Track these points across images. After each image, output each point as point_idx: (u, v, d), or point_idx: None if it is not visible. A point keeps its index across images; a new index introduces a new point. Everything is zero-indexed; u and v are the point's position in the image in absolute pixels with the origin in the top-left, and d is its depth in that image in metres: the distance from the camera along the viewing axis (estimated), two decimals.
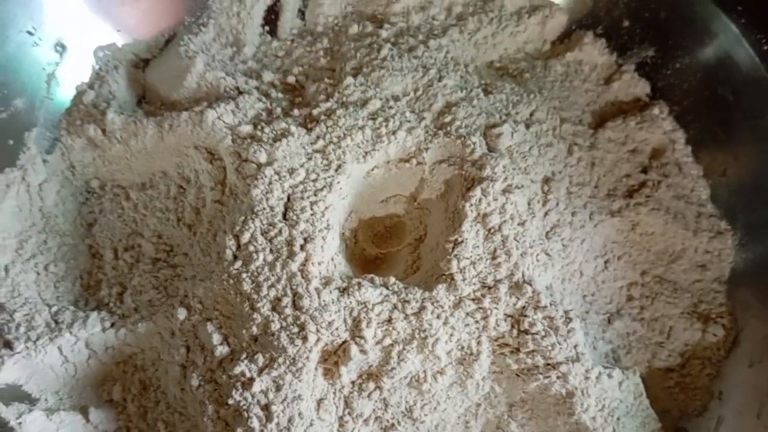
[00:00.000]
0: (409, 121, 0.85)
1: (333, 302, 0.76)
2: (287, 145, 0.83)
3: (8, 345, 0.82)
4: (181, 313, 0.81)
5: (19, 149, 0.90)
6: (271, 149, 0.83)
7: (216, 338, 0.78)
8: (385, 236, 0.92)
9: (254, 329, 0.76)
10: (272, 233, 0.79)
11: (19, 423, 0.80)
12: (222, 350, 0.77)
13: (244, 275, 0.77)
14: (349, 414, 0.78)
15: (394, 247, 0.90)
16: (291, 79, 0.95)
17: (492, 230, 0.79)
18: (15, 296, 0.84)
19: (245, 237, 0.79)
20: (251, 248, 0.78)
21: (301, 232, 0.79)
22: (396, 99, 0.88)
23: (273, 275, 0.77)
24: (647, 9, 1.03)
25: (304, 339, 0.74)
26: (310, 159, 0.83)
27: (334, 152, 0.83)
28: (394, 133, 0.84)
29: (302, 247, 0.78)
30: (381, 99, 0.87)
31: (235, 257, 0.79)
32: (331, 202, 0.82)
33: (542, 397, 0.79)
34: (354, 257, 0.88)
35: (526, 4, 1.04)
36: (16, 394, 0.83)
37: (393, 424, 0.80)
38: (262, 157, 0.83)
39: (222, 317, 0.79)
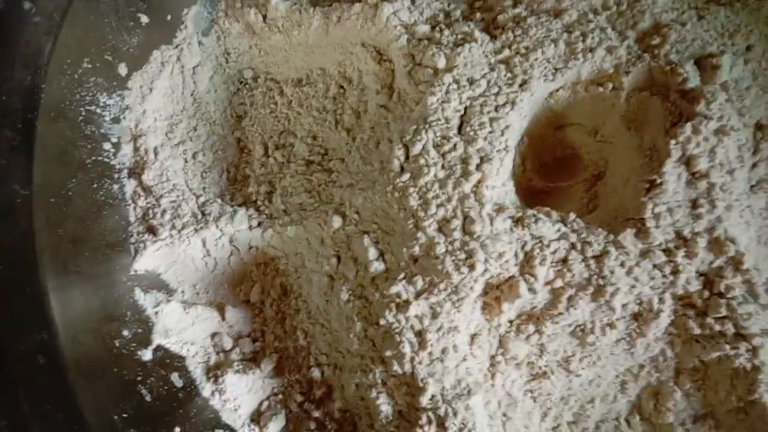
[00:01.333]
0: (610, 39, 0.75)
1: (506, 232, 0.69)
2: (469, 52, 0.74)
3: (152, 230, 0.80)
4: (336, 222, 0.76)
5: (177, 27, 0.85)
6: (452, 54, 0.74)
7: (372, 253, 0.72)
8: (554, 168, 0.83)
9: (416, 249, 0.70)
10: (446, 147, 0.71)
11: (156, 312, 0.79)
12: (377, 266, 0.72)
13: (411, 189, 0.71)
14: (502, 354, 0.72)
15: (564, 181, 0.82)
16: None
17: (697, 175, 0.69)
18: (163, 181, 0.81)
19: (416, 148, 0.72)
20: (422, 161, 0.71)
21: (478, 150, 0.71)
22: (595, 12, 0.77)
23: (443, 193, 0.70)
24: None
25: (471, 267, 0.68)
26: (492, 70, 0.74)
27: (520, 65, 0.74)
28: (591, 50, 0.74)
29: (478, 167, 0.70)
30: (579, 10, 0.77)
31: (403, 169, 0.72)
32: (511, 121, 0.73)
33: (720, 369, 0.71)
34: (519, 187, 0.80)
35: None
36: (154, 282, 0.82)
37: (545, 373, 0.74)
38: (441, 62, 0.75)
39: (380, 231, 0.74)
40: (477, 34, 0.76)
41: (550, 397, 0.75)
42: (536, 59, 0.74)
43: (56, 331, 0.68)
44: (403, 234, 0.71)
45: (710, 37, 0.76)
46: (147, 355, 0.77)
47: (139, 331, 0.78)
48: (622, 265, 0.68)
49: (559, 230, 0.70)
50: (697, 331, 0.69)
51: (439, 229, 0.70)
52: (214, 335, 0.82)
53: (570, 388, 0.75)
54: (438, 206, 0.70)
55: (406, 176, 0.71)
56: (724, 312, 0.68)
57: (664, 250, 0.69)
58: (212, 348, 0.82)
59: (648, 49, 0.74)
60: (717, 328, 0.69)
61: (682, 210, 0.69)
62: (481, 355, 0.71)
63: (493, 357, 0.72)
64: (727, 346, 0.69)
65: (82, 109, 0.76)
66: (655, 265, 0.69)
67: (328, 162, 0.83)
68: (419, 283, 0.69)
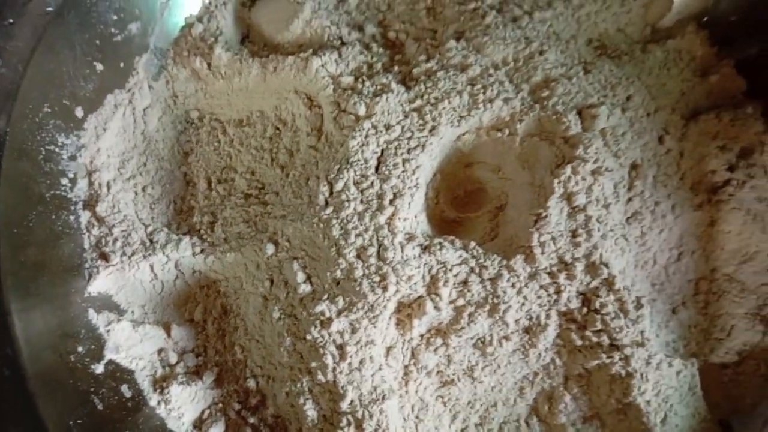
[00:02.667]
0: (507, 91, 0.86)
1: (415, 258, 0.80)
2: (386, 101, 0.85)
3: (104, 257, 0.88)
4: (269, 249, 0.85)
5: (129, 73, 0.93)
6: (371, 103, 0.85)
7: (300, 276, 0.82)
8: (464, 201, 0.94)
9: (338, 273, 0.80)
10: (364, 185, 0.82)
11: (108, 330, 0.87)
12: (305, 288, 0.82)
13: (334, 221, 0.81)
14: (414, 364, 0.82)
15: (472, 212, 0.92)
16: (392, 35, 0.96)
17: (576, 209, 0.81)
18: (115, 212, 0.89)
19: (339, 185, 0.82)
20: (344, 197, 0.81)
21: (392, 187, 0.82)
22: (496, 67, 0.88)
23: (361, 225, 0.80)
24: (757, 6, 1.00)
25: (384, 288, 0.78)
26: (406, 117, 0.85)
27: (430, 113, 0.85)
28: (491, 101, 0.85)
29: (391, 202, 0.81)
30: (481, 66, 0.88)
31: (327, 203, 0.82)
32: (422, 162, 0.84)
33: (600, 375, 0.82)
34: (433, 217, 0.91)
35: None
36: (106, 304, 0.89)
37: (453, 380, 0.84)
38: (361, 110, 0.85)
39: (308, 258, 0.83)
40: (393, 85, 0.86)
41: (458, 401, 0.85)
42: (444, 108, 0.85)
43: (19, 347, 0.75)
44: (327, 260, 0.81)
45: (593, 90, 0.88)
46: (99, 368, 0.85)
47: (93, 347, 0.85)
48: (513, 286, 0.79)
49: (460, 256, 0.80)
50: (579, 342, 0.81)
51: (358, 256, 0.79)
52: (160, 351, 0.90)
53: (475, 393, 0.84)
54: (357, 236, 0.80)
55: (330, 209, 0.82)
56: (599, 326, 0.79)
57: (548, 273, 0.79)
58: (159, 362, 0.90)
59: (539, 100, 0.85)
60: (595, 339, 0.80)
61: (564, 239, 0.80)
62: (395, 365, 0.81)
63: (406, 367, 0.82)
64: (604, 356, 0.80)
65: (42, 148, 0.83)
66: (541, 286, 0.79)
67: (264, 195, 0.92)
68: (340, 302, 0.79)
